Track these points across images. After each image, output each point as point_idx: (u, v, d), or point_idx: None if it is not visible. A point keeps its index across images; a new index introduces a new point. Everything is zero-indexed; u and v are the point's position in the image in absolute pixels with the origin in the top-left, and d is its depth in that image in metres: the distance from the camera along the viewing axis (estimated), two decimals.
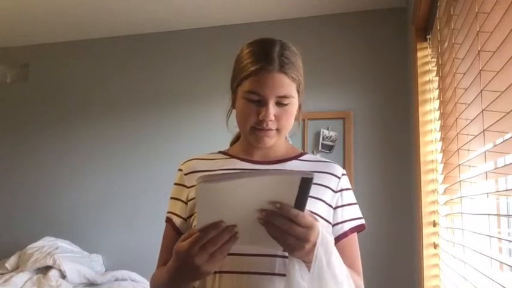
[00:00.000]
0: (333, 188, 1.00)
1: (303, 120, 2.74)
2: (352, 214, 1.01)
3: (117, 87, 3.24)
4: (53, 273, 2.61)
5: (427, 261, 1.85)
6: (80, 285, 2.67)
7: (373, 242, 2.50)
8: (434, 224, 1.86)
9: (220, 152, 1.09)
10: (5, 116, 3.47)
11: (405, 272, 2.41)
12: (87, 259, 2.89)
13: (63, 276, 2.63)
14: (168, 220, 1.04)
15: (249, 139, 0.98)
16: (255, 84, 0.91)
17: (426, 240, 1.88)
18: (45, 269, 2.68)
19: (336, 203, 0.99)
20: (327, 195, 0.98)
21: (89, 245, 3.04)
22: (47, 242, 2.91)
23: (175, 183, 1.05)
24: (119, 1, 2.77)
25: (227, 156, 1.05)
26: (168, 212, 1.05)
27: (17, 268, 2.77)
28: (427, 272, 1.85)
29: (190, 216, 1.00)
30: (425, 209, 1.90)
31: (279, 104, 0.92)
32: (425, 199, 1.90)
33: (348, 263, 0.92)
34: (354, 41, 2.80)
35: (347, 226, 0.99)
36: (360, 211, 1.03)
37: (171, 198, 1.05)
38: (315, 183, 0.95)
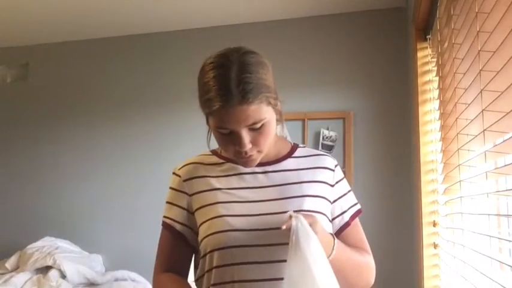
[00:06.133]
0: (330, 182, 1.02)
1: (303, 120, 2.74)
2: (350, 202, 1.05)
3: (117, 87, 3.24)
4: (53, 273, 2.60)
5: (427, 261, 1.85)
6: (80, 285, 2.67)
7: (373, 242, 2.48)
8: (435, 224, 1.86)
9: (213, 153, 1.07)
10: (5, 116, 3.47)
11: (405, 272, 2.40)
12: (87, 259, 2.88)
13: (63, 276, 2.62)
14: (166, 225, 1.02)
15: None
16: (220, 122, 0.87)
17: (426, 240, 1.88)
18: (45, 269, 2.68)
19: (333, 197, 1.02)
20: (324, 190, 1.01)
21: (89, 245, 3.04)
22: (47, 242, 2.91)
23: (173, 188, 1.04)
24: (119, 1, 2.76)
25: (222, 160, 1.03)
26: (165, 217, 1.03)
27: (17, 268, 2.77)
28: (427, 272, 1.85)
29: (201, 224, 0.97)
30: (426, 209, 1.90)
31: (252, 129, 0.88)
32: (426, 199, 1.90)
33: (356, 245, 1.03)
34: (354, 41, 2.79)
35: (347, 216, 1.03)
36: (354, 196, 1.08)
37: (168, 203, 1.04)
38: (312, 181, 1.00)
